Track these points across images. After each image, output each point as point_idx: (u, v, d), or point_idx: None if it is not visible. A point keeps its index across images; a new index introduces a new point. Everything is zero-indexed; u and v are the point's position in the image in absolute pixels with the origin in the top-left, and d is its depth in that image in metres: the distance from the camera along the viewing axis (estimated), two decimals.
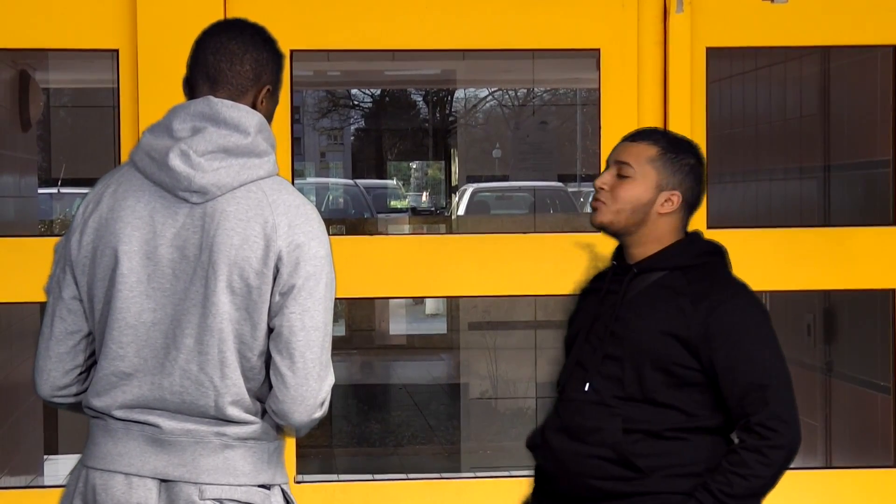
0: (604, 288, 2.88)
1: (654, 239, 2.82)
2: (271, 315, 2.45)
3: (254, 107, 2.53)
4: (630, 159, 2.82)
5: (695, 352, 2.72)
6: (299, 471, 4.11)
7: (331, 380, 2.52)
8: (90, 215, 2.52)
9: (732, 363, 2.71)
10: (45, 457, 6.22)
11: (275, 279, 2.44)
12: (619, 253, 2.90)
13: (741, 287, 2.83)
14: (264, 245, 2.43)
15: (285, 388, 2.45)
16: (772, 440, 2.67)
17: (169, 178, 2.46)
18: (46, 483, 5.81)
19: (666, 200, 2.81)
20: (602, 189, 2.83)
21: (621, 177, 2.82)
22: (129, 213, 2.48)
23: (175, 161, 2.45)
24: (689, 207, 2.86)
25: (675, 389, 2.74)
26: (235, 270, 2.42)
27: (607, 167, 2.86)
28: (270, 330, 2.46)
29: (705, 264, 2.82)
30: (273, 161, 2.52)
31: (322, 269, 2.47)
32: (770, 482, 2.70)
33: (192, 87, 2.55)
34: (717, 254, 2.87)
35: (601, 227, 2.86)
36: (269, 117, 2.58)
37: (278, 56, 2.59)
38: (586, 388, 2.80)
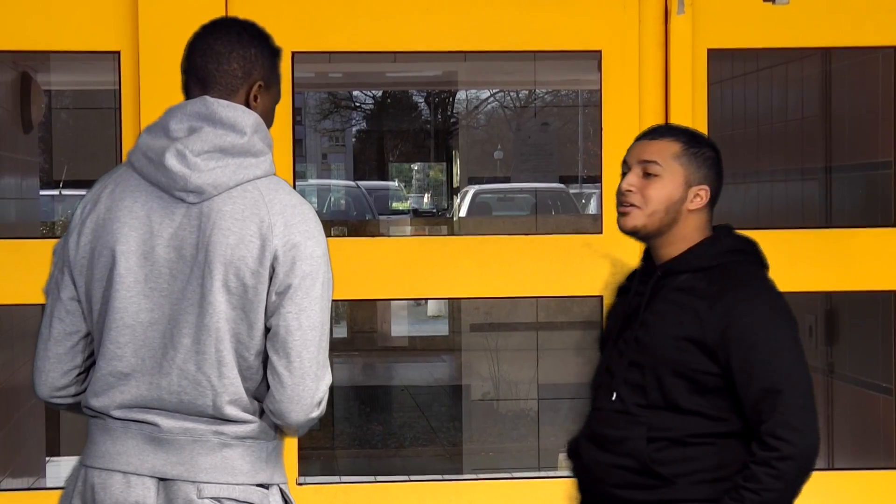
0: (632, 289, 2.82)
1: (681, 238, 2.75)
2: (268, 315, 2.45)
3: (247, 104, 2.52)
4: (656, 157, 2.73)
5: (713, 356, 2.66)
6: (301, 472, 4.11)
7: (328, 379, 2.52)
8: (87, 216, 2.53)
9: (747, 367, 2.64)
10: (48, 458, 6.22)
11: (271, 279, 2.43)
12: (648, 253, 2.83)
13: (761, 287, 2.75)
14: (260, 244, 2.43)
15: (282, 387, 2.45)
16: (781, 451, 2.60)
17: (165, 178, 2.46)
18: (49, 485, 5.81)
19: (695, 196, 2.74)
20: (630, 192, 2.73)
21: (648, 176, 2.73)
22: (127, 213, 2.48)
23: (171, 161, 2.45)
24: (713, 203, 2.79)
25: (698, 395, 2.69)
26: (231, 270, 2.42)
27: (627, 169, 2.78)
28: (267, 329, 2.46)
29: (726, 264, 2.75)
30: (269, 161, 2.51)
31: (318, 269, 2.47)
32: (785, 494, 2.63)
33: (187, 91, 2.56)
34: (742, 251, 2.79)
35: (632, 232, 2.77)
36: (268, 113, 2.57)
37: (269, 50, 2.58)
38: (613, 398, 2.76)
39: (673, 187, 2.73)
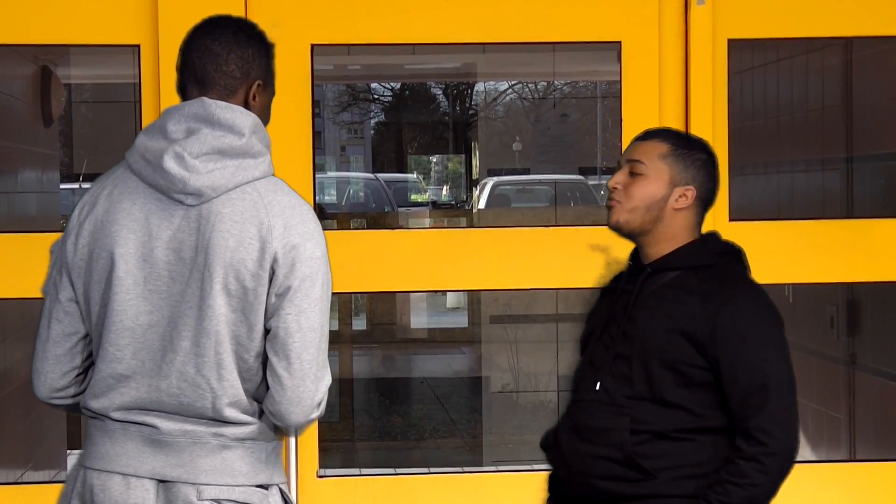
0: (619, 288, 2.88)
1: (670, 237, 2.82)
2: (267, 316, 2.45)
3: (246, 104, 2.53)
4: (641, 157, 2.82)
5: (702, 350, 2.71)
6: (321, 465, 4.11)
7: (327, 380, 2.52)
8: (85, 218, 2.53)
9: (734, 363, 2.70)
10: (69, 451, 6.24)
11: (271, 281, 2.44)
12: (636, 253, 2.89)
13: (751, 287, 2.81)
14: (260, 247, 2.43)
15: (282, 389, 2.46)
16: (769, 447, 2.66)
17: (164, 180, 2.46)
18: None
19: (680, 196, 2.81)
20: (616, 188, 2.83)
21: (634, 174, 2.81)
22: (125, 215, 2.48)
23: (170, 163, 2.45)
24: (704, 203, 2.85)
25: (683, 388, 2.73)
26: (231, 272, 2.42)
27: (619, 168, 2.86)
28: (267, 331, 2.46)
29: (717, 264, 2.81)
30: (268, 162, 2.51)
31: (318, 270, 2.47)
32: (769, 490, 2.69)
33: (184, 91, 2.55)
34: (732, 254, 2.86)
35: (616, 228, 2.85)
36: (265, 110, 2.58)
37: (265, 48, 2.58)
38: (597, 388, 2.80)
39: (656, 186, 2.80)
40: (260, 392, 2.51)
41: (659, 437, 2.73)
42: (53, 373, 2.57)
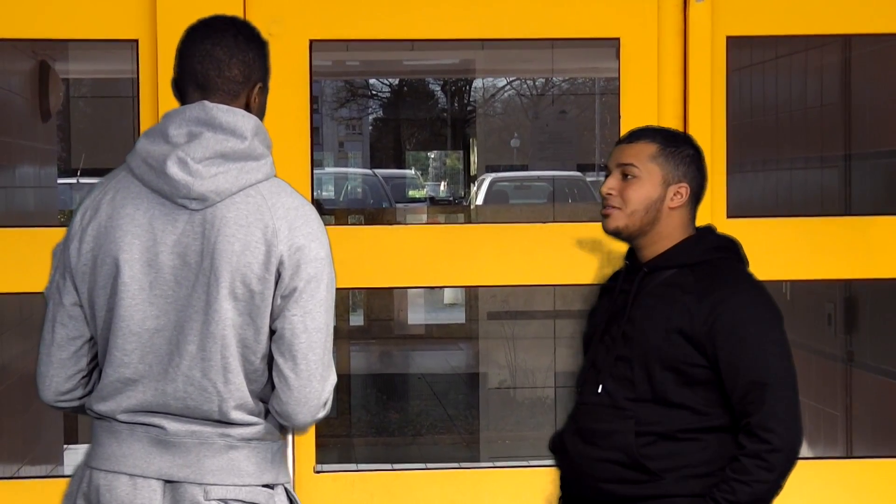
0: (617, 287, 2.88)
1: (665, 236, 2.82)
2: (273, 317, 2.45)
3: (247, 106, 2.52)
4: (633, 160, 2.81)
5: (701, 349, 2.72)
6: (318, 460, 4.11)
7: (333, 379, 2.53)
8: (88, 223, 2.52)
9: (734, 360, 2.70)
10: (66, 446, 6.24)
11: (276, 282, 2.44)
12: (632, 252, 2.89)
13: (748, 283, 2.81)
14: (265, 250, 2.43)
15: (289, 389, 2.46)
16: (771, 443, 2.66)
17: (167, 185, 2.45)
18: (67, 473, 5.83)
19: (675, 194, 2.81)
20: (610, 195, 2.82)
21: (627, 178, 2.81)
22: (129, 221, 2.47)
23: (173, 169, 2.44)
24: (696, 199, 2.85)
25: (686, 388, 2.73)
26: (238, 277, 2.42)
27: (609, 173, 2.85)
28: (272, 332, 2.46)
29: (713, 260, 2.81)
30: (270, 163, 2.51)
31: (323, 271, 2.47)
32: (775, 485, 2.69)
33: (183, 93, 2.54)
34: (727, 249, 2.86)
35: (616, 233, 2.84)
36: (262, 110, 2.58)
37: (263, 50, 2.58)
38: (599, 391, 2.80)
39: (651, 187, 2.80)
40: (266, 392, 2.51)
41: (664, 438, 2.73)
42: (59, 377, 2.57)
